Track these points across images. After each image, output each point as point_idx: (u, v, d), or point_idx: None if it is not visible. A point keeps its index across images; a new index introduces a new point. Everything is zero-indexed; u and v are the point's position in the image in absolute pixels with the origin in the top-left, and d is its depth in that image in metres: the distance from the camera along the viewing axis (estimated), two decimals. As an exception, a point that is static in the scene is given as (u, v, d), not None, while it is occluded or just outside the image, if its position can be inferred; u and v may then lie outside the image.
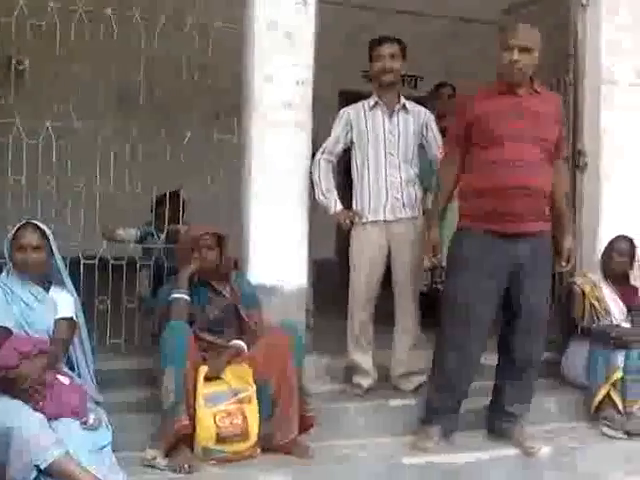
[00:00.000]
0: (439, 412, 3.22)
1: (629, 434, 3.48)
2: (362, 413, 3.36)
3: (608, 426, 3.51)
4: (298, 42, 3.50)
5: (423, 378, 3.50)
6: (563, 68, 4.38)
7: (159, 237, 3.69)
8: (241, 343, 3.14)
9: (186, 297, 3.12)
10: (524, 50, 3.00)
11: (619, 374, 3.49)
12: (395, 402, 3.44)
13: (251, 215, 3.49)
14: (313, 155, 3.60)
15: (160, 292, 3.27)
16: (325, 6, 3.78)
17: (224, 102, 3.58)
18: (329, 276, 4.57)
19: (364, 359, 3.54)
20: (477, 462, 3.15)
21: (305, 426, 3.10)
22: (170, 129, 3.54)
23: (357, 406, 3.39)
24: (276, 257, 3.47)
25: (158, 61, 3.67)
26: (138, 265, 3.75)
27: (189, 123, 3.58)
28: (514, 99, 3.06)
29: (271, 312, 3.34)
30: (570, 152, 4.29)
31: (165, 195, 4.00)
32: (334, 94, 6.06)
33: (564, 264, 3.26)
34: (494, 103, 3.08)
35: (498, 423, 3.29)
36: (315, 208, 3.67)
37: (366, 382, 3.52)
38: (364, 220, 3.51)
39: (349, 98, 5.47)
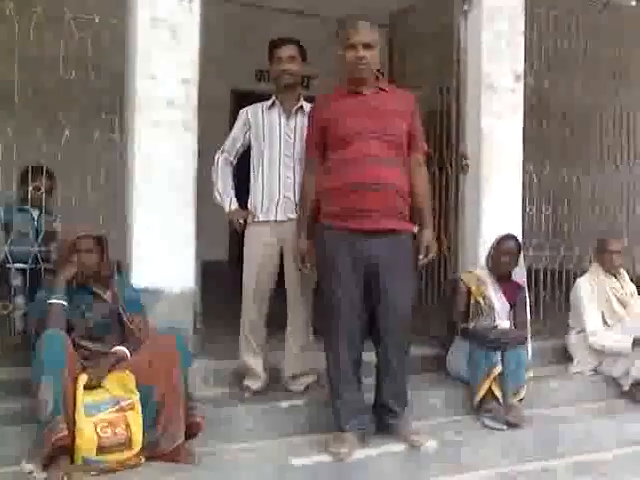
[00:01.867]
0: (343, 412, 3.20)
1: (509, 425, 3.61)
2: (251, 416, 3.33)
3: (490, 418, 3.64)
4: (183, 39, 3.44)
5: (313, 378, 3.51)
6: (447, 74, 4.54)
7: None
8: (124, 349, 3.03)
9: (63, 303, 2.98)
10: (367, 46, 3.08)
11: (499, 369, 3.63)
12: (285, 403, 3.42)
13: (134, 216, 3.39)
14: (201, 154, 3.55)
15: (36, 298, 3.11)
16: (215, 4, 3.73)
17: (106, 100, 3.45)
18: (224, 277, 4.52)
19: (255, 361, 3.51)
20: (366, 459, 3.18)
21: (192, 432, 3.03)
22: (49, 128, 3.38)
23: (247, 409, 3.35)
24: (161, 259, 3.39)
25: (34, 58, 3.50)
26: (10, 267, 3.56)
27: (68, 122, 3.44)
28: (360, 98, 3.15)
29: (156, 316, 3.26)
30: (453, 156, 4.47)
31: (27, 170, 3.76)
32: (226, 93, 6.00)
33: (421, 257, 3.23)
34: (341, 104, 3.16)
35: (384, 419, 3.33)
36: (211, 209, 3.61)
37: (255, 385, 3.50)
38: (256, 219, 3.49)
39: (242, 98, 5.51)
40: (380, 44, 3.21)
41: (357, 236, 3.08)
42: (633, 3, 5.14)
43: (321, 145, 3.21)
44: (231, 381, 3.60)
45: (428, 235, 3.24)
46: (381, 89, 3.21)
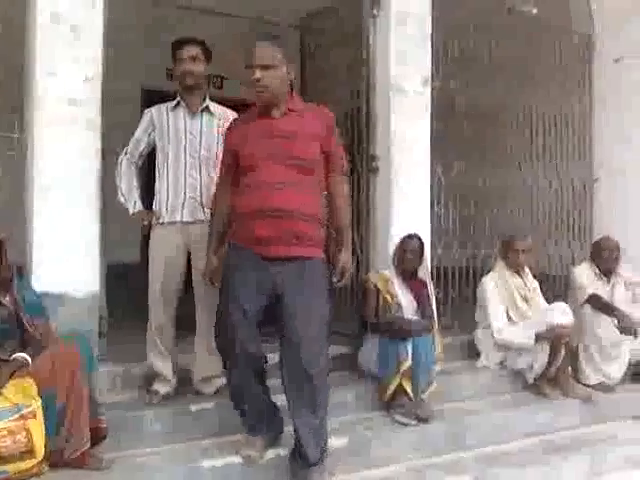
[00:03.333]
0: (250, 420, 3.17)
1: (419, 419, 3.69)
2: (160, 420, 3.28)
3: (400, 414, 3.71)
4: (85, 36, 3.34)
5: (223, 381, 3.48)
6: (359, 76, 4.61)
7: None
8: (24, 355, 2.91)
9: (-43, 308, 2.85)
10: (265, 68, 2.94)
11: (408, 363, 3.71)
12: (195, 407, 3.38)
13: (35, 218, 3.27)
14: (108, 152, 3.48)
15: None
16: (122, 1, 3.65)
17: (3, 97, 3.33)
18: (136, 279, 4.42)
19: (163, 365, 3.46)
20: (277, 458, 3.17)
21: (98, 437, 2.96)
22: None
23: (155, 413, 3.30)
24: (64, 262, 3.28)
25: None
26: None
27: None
28: (268, 121, 3.02)
29: (60, 321, 3.15)
30: (364, 157, 4.54)
31: None
32: (136, 92, 5.90)
33: (336, 280, 3.07)
34: (249, 127, 3.06)
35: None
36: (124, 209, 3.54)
37: (164, 388, 3.44)
38: (161, 221, 3.44)
39: (153, 96, 5.41)
40: (288, 62, 3.02)
41: (263, 261, 2.98)
42: (534, 11, 5.37)
43: (233, 167, 3.12)
44: (140, 385, 3.53)
45: (345, 257, 3.08)
46: (292, 110, 3.05)
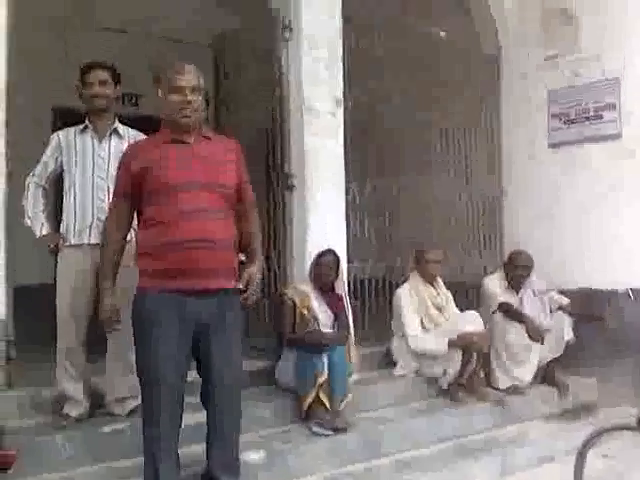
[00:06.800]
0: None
1: (336, 430, 3.76)
2: (72, 443, 3.23)
3: (317, 425, 3.77)
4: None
5: (137, 402, 3.47)
6: (272, 95, 4.70)
7: None
8: None
9: None
10: (194, 90, 2.86)
11: (324, 376, 3.78)
12: (108, 428, 3.35)
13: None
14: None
15: None
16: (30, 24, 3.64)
17: None
18: (47, 300, 4.37)
19: (74, 387, 3.42)
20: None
21: (4, 465, 2.91)
22: None
23: (66, 436, 3.25)
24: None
25: None
26: None
27: None
28: (184, 146, 2.89)
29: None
30: (280, 174, 4.63)
31: None
32: (47, 110, 5.86)
33: (241, 286, 2.93)
34: (163, 152, 2.87)
35: None
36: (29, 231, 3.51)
37: (76, 411, 3.41)
38: (67, 243, 3.44)
39: (63, 115, 5.38)
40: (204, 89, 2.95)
41: (185, 296, 2.82)
42: (442, 34, 5.60)
43: (134, 196, 2.90)
44: (51, 409, 3.48)
45: (252, 268, 2.97)
46: (205, 136, 2.96)
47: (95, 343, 3.50)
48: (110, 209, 3.07)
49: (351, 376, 4.01)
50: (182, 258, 2.78)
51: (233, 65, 5.13)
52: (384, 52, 5.15)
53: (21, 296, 3.74)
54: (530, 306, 4.90)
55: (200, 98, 2.90)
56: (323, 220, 4.54)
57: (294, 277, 4.50)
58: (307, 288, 4.20)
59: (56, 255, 3.48)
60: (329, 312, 4.17)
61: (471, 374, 4.46)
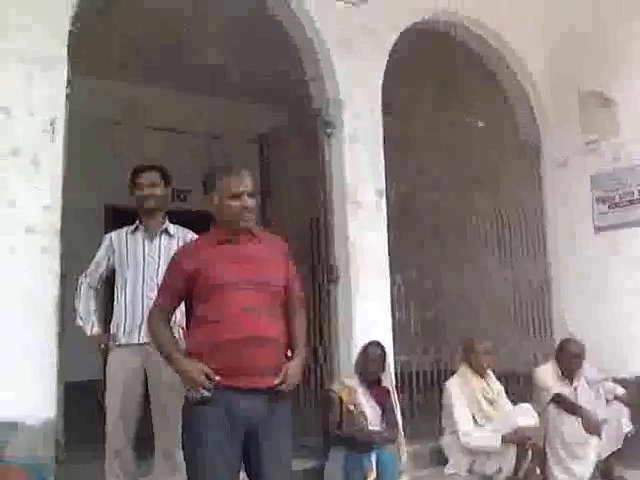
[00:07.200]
0: None
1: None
2: None
3: (369, 525, 3.65)
4: (44, 167, 3.48)
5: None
6: (316, 189, 4.79)
7: None
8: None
9: None
10: (251, 195, 2.93)
11: (373, 476, 3.67)
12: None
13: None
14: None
15: None
16: (86, 122, 3.80)
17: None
18: (94, 398, 4.38)
19: (122, 488, 3.39)
20: None
21: None
22: None
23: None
24: (18, 387, 3.26)
25: None
26: None
27: None
28: (235, 246, 2.92)
29: (14, 450, 3.11)
30: (325, 266, 4.65)
31: None
32: (100, 208, 6.06)
33: (276, 382, 2.83)
34: (215, 252, 2.90)
35: None
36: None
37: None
38: (118, 343, 3.47)
39: (116, 213, 5.54)
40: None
41: (235, 395, 2.77)
42: (481, 124, 5.68)
43: (183, 293, 2.94)
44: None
45: (292, 366, 2.91)
46: (254, 236, 2.99)
47: (143, 441, 3.48)
48: (158, 305, 3.00)
49: (401, 475, 3.88)
50: (233, 357, 2.78)
51: (278, 160, 5.26)
52: (424, 142, 5.24)
53: (69, 393, 3.75)
54: (585, 397, 4.74)
55: (256, 200, 2.96)
56: (368, 312, 4.52)
57: (341, 370, 4.44)
58: (353, 382, 4.13)
59: (106, 355, 3.50)
60: (377, 407, 4.09)
61: (527, 471, 4.26)
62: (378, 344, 4.20)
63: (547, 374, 4.79)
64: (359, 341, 4.33)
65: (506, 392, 4.65)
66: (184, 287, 2.91)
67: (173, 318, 3.16)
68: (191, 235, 3.66)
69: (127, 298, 3.51)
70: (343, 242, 4.61)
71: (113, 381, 3.44)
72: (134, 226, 3.64)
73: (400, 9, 4.94)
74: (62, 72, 3.63)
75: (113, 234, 3.65)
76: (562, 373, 4.78)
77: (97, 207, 6.00)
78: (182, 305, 3.15)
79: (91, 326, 3.51)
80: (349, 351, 4.41)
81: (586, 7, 5.54)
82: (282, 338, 2.92)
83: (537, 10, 5.67)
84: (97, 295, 3.63)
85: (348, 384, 4.12)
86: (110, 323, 3.56)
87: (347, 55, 4.71)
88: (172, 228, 3.67)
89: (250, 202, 2.91)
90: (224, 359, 2.78)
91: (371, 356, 4.15)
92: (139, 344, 3.45)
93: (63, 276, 3.58)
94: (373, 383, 4.14)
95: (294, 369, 2.92)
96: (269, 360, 2.83)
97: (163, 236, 3.62)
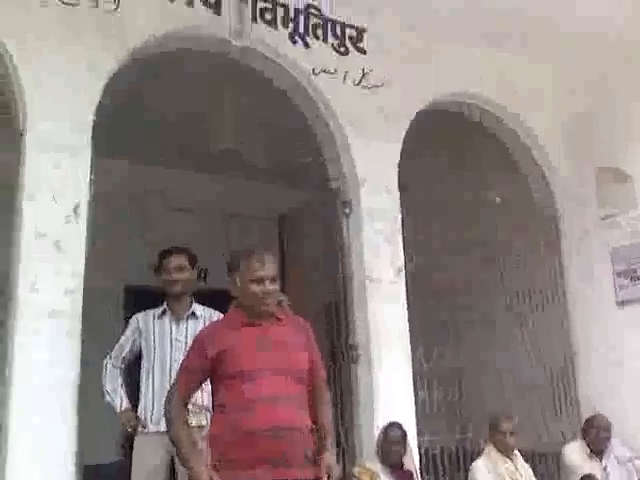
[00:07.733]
0: None
1: None
2: None
3: None
4: (67, 251, 3.54)
5: None
6: (334, 268, 4.80)
7: None
8: None
9: None
10: (273, 280, 2.89)
11: None
12: None
13: (10, 429, 3.26)
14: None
15: None
16: (105, 205, 3.87)
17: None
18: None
19: None
20: None
21: None
22: None
23: None
24: (37, 475, 3.23)
25: None
26: None
27: None
28: (258, 330, 2.87)
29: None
30: (345, 346, 4.61)
31: None
32: (119, 289, 6.09)
33: (323, 477, 2.78)
34: (237, 336, 2.85)
35: None
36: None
37: None
38: (146, 430, 3.46)
39: (136, 294, 5.53)
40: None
41: None
42: (498, 200, 5.72)
43: (203, 380, 2.91)
44: None
45: (329, 458, 2.85)
46: (278, 318, 2.95)
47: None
48: (181, 388, 2.90)
49: None
50: (259, 447, 2.69)
51: (297, 239, 5.31)
52: (442, 220, 5.27)
53: (88, 476, 3.70)
54: (616, 476, 4.58)
55: (277, 286, 2.92)
56: (390, 391, 4.44)
57: (363, 452, 4.33)
58: (376, 466, 4.03)
59: (132, 437, 3.47)
60: (400, 491, 3.97)
61: None
62: (398, 426, 4.12)
63: (575, 452, 4.66)
64: (381, 421, 4.24)
65: (534, 472, 4.48)
66: (207, 371, 2.85)
67: (200, 402, 3.15)
68: (217, 315, 3.64)
69: (155, 383, 3.51)
70: (363, 320, 4.57)
71: (138, 468, 3.42)
72: (161, 310, 3.65)
73: (415, 92, 5.06)
74: (86, 159, 3.74)
75: (140, 316, 3.67)
76: (591, 451, 4.64)
77: (116, 288, 6.03)
78: (209, 385, 3.06)
79: (120, 402, 3.53)
80: (371, 432, 4.30)
81: (600, 88, 5.64)
82: (308, 426, 2.84)
83: (552, 91, 5.78)
84: (122, 374, 3.64)
85: (370, 467, 4.03)
86: (137, 405, 3.53)
87: (364, 137, 4.81)
88: (199, 310, 3.68)
89: (271, 287, 2.87)
90: (249, 449, 2.69)
91: (392, 438, 4.07)
92: (167, 432, 3.39)
93: (84, 362, 3.57)
94: (395, 466, 4.04)
95: (333, 464, 2.84)
96: (295, 450, 2.74)
97: (190, 320, 3.63)
